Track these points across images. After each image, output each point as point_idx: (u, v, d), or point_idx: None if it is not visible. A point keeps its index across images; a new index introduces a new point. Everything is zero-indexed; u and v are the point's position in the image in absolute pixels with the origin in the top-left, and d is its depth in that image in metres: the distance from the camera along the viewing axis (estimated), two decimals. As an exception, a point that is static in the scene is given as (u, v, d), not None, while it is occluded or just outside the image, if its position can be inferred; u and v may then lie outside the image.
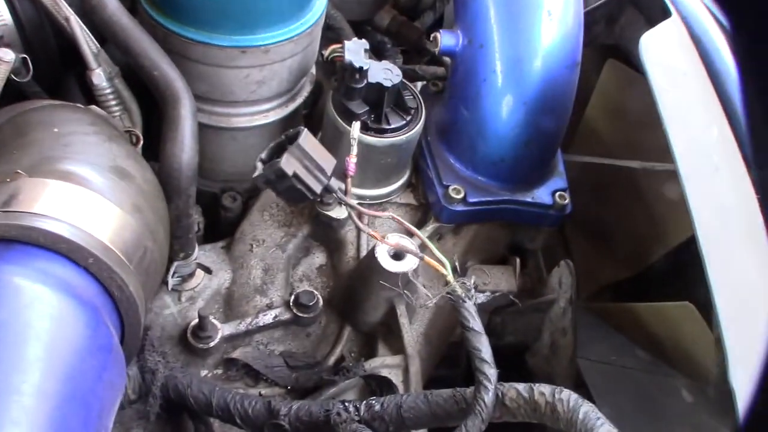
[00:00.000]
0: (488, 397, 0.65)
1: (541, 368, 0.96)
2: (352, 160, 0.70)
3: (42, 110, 0.72)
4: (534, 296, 0.96)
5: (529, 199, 0.90)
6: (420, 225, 0.92)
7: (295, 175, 0.65)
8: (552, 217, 0.92)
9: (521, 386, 0.67)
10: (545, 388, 0.65)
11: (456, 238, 0.93)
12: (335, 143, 0.87)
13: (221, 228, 0.96)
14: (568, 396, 0.64)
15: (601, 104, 1.10)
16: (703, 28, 0.84)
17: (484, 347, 0.67)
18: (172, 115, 0.76)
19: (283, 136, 0.69)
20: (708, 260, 0.68)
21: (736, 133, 0.76)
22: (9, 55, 0.51)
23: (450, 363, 1.00)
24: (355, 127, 0.73)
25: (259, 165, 0.68)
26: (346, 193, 0.70)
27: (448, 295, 0.68)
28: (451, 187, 0.88)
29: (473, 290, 0.68)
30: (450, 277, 0.69)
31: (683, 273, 0.97)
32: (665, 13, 0.88)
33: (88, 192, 0.60)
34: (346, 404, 0.70)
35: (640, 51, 0.75)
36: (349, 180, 0.70)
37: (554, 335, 0.94)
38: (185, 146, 0.75)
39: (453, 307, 0.68)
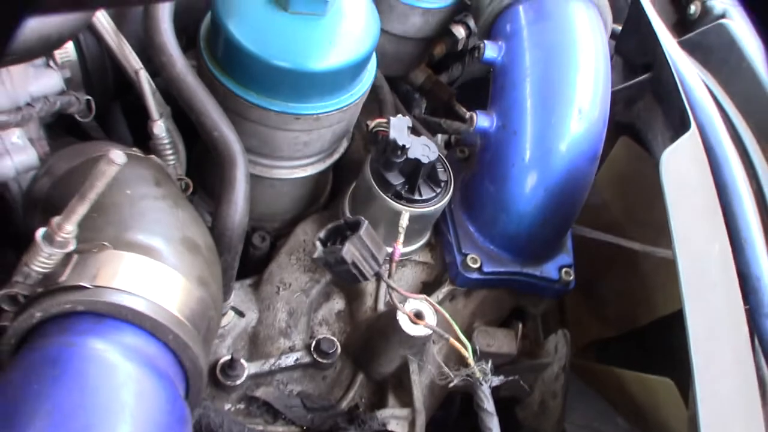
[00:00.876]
0: None
1: (529, 422, 1.05)
2: (399, 248, 0.76)
3: (112, 167, 0.78)
4: (530, 357, 1.05)
5: (537, 273, 0.98)
6: (435, 283, 1.00)
7: (353, 263, 0.72)
8: (556, 291, 1.00)
9: (525, 464, 0.76)
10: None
11: (467, 300, 1.01)
12: (367, 203, 0.94)
13: (248, 264, 1.02)
14: None
15: (608, 176, 1.18)
16: (718, 139, 0.92)
17: (495, 427, 0.76)
18: (229, 177, 0.82)
19: (343, 222, 0.75)
20: (696, 371, 0.77)
21: (733, 248, 0.84)
22: (121, 159, 0.57)
23: (444, 405, 1.08)
24: (404, 217, 0.80)
25: (319, 246, 0.74)
26: (390, 276, 0.77)
27: (468, 378, 0.76)
28: (469, 256, 0.96)
29: (490, 375, 0.77)
30: (471, 361, 0.77)
31: (668, 345, 1.06)
32: (682, 115, 0.96)
33: (166, 267, 0.66)
34: (364, 457, 0.78)
35: (660, 166, 0.83)
36: (393, 265, 0.76)
37: (545, 396, 1.03)
38: (239, 208, 0.82)
39: (470, 388, 0.76)
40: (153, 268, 0.65)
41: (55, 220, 0.61)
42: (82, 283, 0.61)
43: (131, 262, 0.64)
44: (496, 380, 0.76)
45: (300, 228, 1.02)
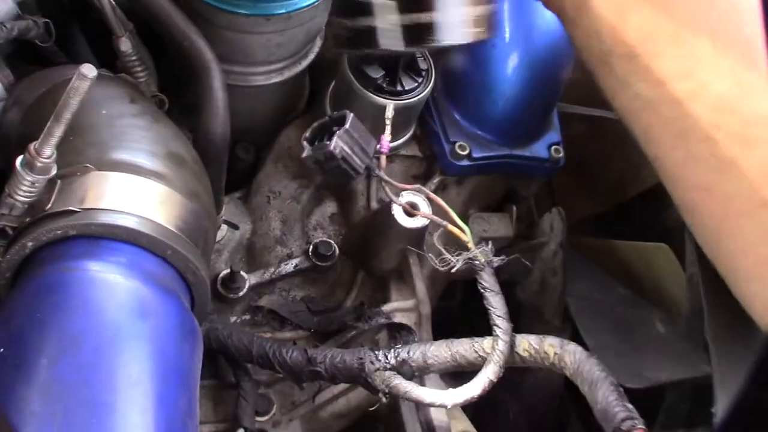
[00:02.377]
0: (504, 348, 0.75)
1: (531, 302, 1.07)
2: (386, 140, 0.75)
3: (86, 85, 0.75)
4: (526, 238, 1.05)
5: (527, 154, 0.98)
6: (426, 175, 1.00)
7: (343, 158, 0.71)
8: (547, 169, 1.00)
9: (532, 338, 0.77)
10: (554, 341, 0.76)
11: (459, 188, 1.00)
12: (349, 101, 0.92)
13: (235, 178, 1.00)
14: (574, 349, 0.74)
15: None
16: None
17: (500, 305, 0.77)
18: (204, 87, 0.79)
19: (328, 118, 0.74)
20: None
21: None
22: (92, 72, 0.54)
23: (447, 295, 1.10)
24: (389, 109, 0.78)
25: (306, 145, 0.73)
26: (380, 169, 0.76)
27: (470, 261, 0.76)
28: (457, 144, 0.95)
29: (492, 257, 0.77)
30: (471, 245, 0.77)
31: (659, 214, 1.07)
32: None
33: (154, 183, 0.64)
34: (377, 353, 0.79)
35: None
36: (383, 158, 0.75)
37: (545, 274, 1.04)
38: (219, 118, 0.79)
39: (473, 272, 0.77)
40: (141, 184, 0.63)
41: (33, 145, 0.59)
42: (70, 207, 0.59)
43: (118, 181, 0.63)
44: (497, 260, 0.77)
45: (283, 135, 1.00)
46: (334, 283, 0.96)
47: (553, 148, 0.99)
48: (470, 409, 0.88)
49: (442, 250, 0.77)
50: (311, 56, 0.96)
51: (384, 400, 0.77)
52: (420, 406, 0.89)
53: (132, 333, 0.55)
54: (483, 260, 0.76)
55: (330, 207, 0.99)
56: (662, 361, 0.95)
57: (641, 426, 0.63)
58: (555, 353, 0.74)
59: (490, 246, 0.77)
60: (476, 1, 0.62)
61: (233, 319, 0.90)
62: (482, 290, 0.77)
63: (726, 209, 0.55)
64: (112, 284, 0.57)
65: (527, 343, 0.76)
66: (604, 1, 0.56)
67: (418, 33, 0.76)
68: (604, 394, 0.66)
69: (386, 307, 0.91)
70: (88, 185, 0.62)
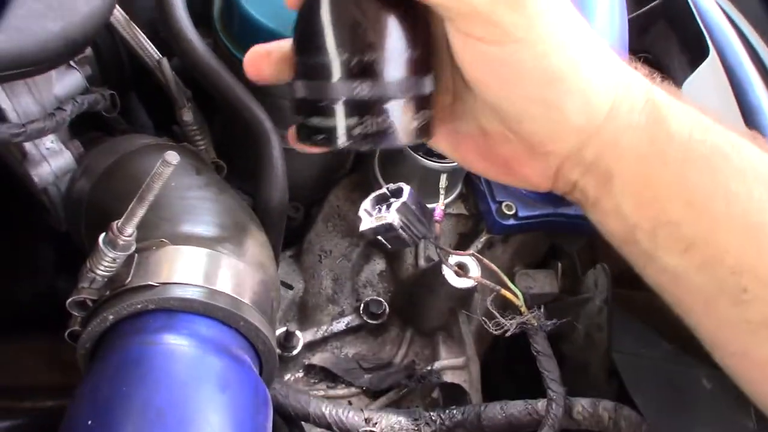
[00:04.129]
0: (558, 413, 0.76)
1: (575, 357, 1.08)
2: (440, 209, 0.77)
3: (147, 156, 0.79)
4: (571, 293, 1.07)
5: (571, 212, 1.00)
6: (472, 233, 1.02)
7: (402, 228, 0.73)
8: (590, 227, 1.01)
9: (586, 401, 0.78)
10: (608, 404, 0.77)
11: (504, 246, 1.03)
12: (398, 162, 0.95)
13: (286, 236, 1.03)
14: (629, 413, 0.75)
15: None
16: (739, 62, 0.92)
17: (553, 369, 0.78)
18: (265, 156, 0.83)
19: (386, 190, 0.76)
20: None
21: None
22: (176, 159, 0.58)
23: (490, 350, 1.11)
24: (443, 179, 0.81)
25: (365, 216, 0.75)
26: (436, 237, 0.78)
27: (524, 326, 0.78)
28: (504, 203, 0.97)
29: (545, 320, 0.79)
30: (524, 309, 0.79)
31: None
32: (699, 39, 0.96)
33: (225, 256, 0.67)
34: (432, 415, 0.81)
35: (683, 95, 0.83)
36: (438, 226, 0.78)
37: (589, 329, 1.05)
38: (279, 185, 0.82)
39: (527, 335, 0.78)
40: (213, 258, 0.66)
41: (116, 224, 0.62)
42: (149, 282, 0.62)
43: (191, 254, 0.66)
44: (550, 324, 0.78)
45: (332, 194, 1.03)
46: (384, 341, 0.98)
47: (596, 206, 1.00)
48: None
49: (497, 315, 0.79)
50: (360, 119, 0.99)
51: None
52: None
53: (213, 405, 0.57)
54: (536, 324, 0.78)
55: (379, 265, 1.02)
56: (710, 420, 0.95)
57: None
58: (609, 417, 0.75)
59: (542, 310, 0.79)
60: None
61: (287, 376, 0.93)
62: (535, 353, 0.79)
63: (764, 374, 0.56)
64: (191, 357, 0.59)
65: (581, 407, 0.78)
66: (627, 179, 0.54)
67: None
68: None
69: (437, 365, 0.93)
70: (164, 259, 0.65)
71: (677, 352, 1.04)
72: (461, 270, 0.91)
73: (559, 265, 1.04)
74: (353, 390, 0.93)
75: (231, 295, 0.64)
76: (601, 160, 0.55)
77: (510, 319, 0.79)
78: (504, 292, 0.80)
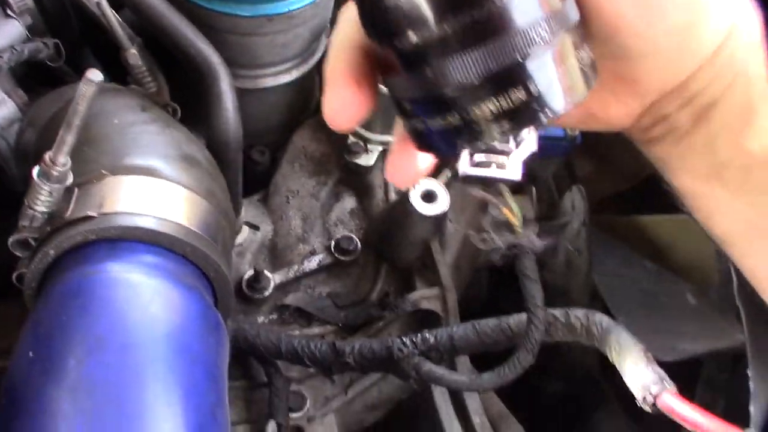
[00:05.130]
0: (538, 336, 0.73)
1: (557, 283, 1.06)
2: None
3: (95, 99, 0.76)
4: (549, 220, 1.05)
5: (542, 132, 0.97)
6: (445, 166, 0.99)
7: None
8: (564, 148, 0.99)
9: (558, 312, 0.76)
10: (579, 312, 0.75)
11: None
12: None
13: (253, 181, 1.01)
14: (600, 318, 0.73)
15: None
16: None
17: (537, 294, 0.74)
18: (214, 92, 0.80)
19: None
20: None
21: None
22: (98, 76, 0.55)
23: (472, 284, 1.10)
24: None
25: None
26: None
27: (514, 248, 0.74)
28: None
29: (537, 242, 0.75)
30: (519, 230, 0.75)
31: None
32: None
33: (169, 184, 0.65)
34: (404, 340, 0.79)
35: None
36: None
37: (569, 254, 1.03)
38: (230, 120, 0.80)
39: (515, 256, 0.75)
40: (156, 186, 0.64)
41: (48, 154, 0.60)
42: (89, 213, 0.61)
43: (133, 184, 0.64)
44: (541, 245, 0.75)
45: (297, 135, 1.01)
46: (359, 277, 0.96)
47: (567, 125, 0.98)
48: (504, 391, 0.88)
49: (491, 231, 0.75)
50: (318, 54, 0.97)
51: (414, 386, 0.77)
52: (453, 392, 0.89)
53: (156, 330, 0.56)
54: (528, 246, 0.74)
55: (349, 202, 1.00)
56: (696, 333, 0.94)
57: (671, 389, 0.62)
58: (582, 325, 0.73)
59: (537, 230, 0.75)
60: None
61: (261, 319, 0.91)
62: (522, 276, 0.75)
63: None
64: (134, 284, 0.58)
65: (553, 318, 0.76)
66: (731, 109, 0.48)
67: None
68: (633, 361, 0.66)
69: (412, 296, 0.91)
70: (105, 191, 0.63)
71: (660, 270, 1.02)
72: (430, 198, 0.89)
73: (534, 189, 1.01)
74: (328, 328, 0.91)
75: (176, 222, 0.62)
76: (708, 89, 0.48)
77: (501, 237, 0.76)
78: (505, 211, 0.76)
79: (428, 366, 0.76)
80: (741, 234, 0.54)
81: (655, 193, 1.18)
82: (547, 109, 0.39)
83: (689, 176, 0.53)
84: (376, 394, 0.91)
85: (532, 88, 0.38)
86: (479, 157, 0.55)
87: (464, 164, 0.56)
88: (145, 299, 0.57)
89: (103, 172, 0.64)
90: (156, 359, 0.54)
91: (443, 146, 0.41)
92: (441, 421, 0.87)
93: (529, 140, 0.51)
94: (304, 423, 0.87)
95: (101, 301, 0.56)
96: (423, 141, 0.43)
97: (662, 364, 0.68)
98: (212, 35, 0.84)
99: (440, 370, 0.76)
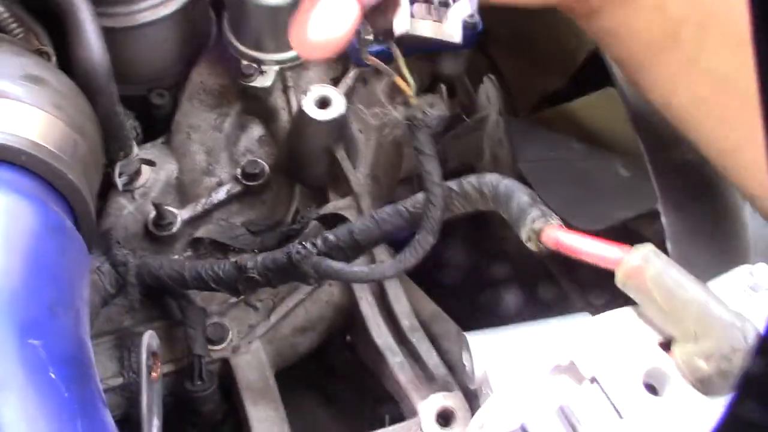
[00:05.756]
0: (437, 214, 0.68)
1: (488, 182, 1.01)
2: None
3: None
4: (468, 115, 1.00)
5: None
6: (342, 74, 0.96)
7: None
8: (467, 38, 0.94)
9: (453, 183, 0.71)
10: (472, 178, 0.70)
11: (379, 80, 0.96)
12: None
13: (157, 127, 0.98)
14: (490, 177, 0.68)
15: None
16: None
17: (435, 170, 0.69)
18: (72, 22, 0.77)
19: None
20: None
21: None
22: None
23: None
24: None
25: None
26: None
27: (407, 120, 0.70)
28: (362, 31, 0.91)
29: (431, 114, 0.71)
30: (414, 100, 0.70)
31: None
32: None
33: (6, 101, 0.62)
34: (303, 243, 0.75)
35: None
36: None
37: (493, 149, 0.99)
38: (93, 45, 0.77)
39: (410, 131, 0.70)
40: (-10, 103, 0.62)
41: None
42: None
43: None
44: (435, 119, 0.70)
45: (194, 72, 0.98)
46: (273, 203, 0.92)
47: (466, 13, 0.93)
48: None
49: (383, 100, 0.71)
50: (198, -19, 0.94)
51: (314, 285, 0.73)
52: (380, 299, 0.85)
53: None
54: (421, 117, 0.69)
55: (256, 131, 0.96)
56: (627, 202, 0.89)
57: (554, 221, 0.58)
58: (474, 189, 0.69)
59: (434, 107, 0.71)
60: None
61: (174, 257, 0.88)
62: (416, 152, 0.71)
63: None
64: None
65: (449, 191, 0.71)
66: None
67: None
68: (517, 203, 0.61)
69: (323, 210, 0.88)
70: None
71: (589, 149, 0.98)
72: (324, 104, 0.85)
73: (443, 87, 0.97)
74: (245, 256, 0.87)
75: (9, 133, 0.59)
76: None
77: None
78: (397, 79, 0.71)
79: (326, 263, 0.72)
80: (692, 109, 0.49)
81: (588, 84, 1.13)
82: None
83: (638, 43, 0.48)
84: (303, 314, 0.87)
85: None
86: (418, 10, 0.52)
87: (403, 20, 0.54)
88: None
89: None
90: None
91: None
92: (369, 330, 0.83)
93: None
94: (228, 354, 0.84)
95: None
96: None
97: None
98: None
99: (338, 265, 0.72)
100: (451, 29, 0.56)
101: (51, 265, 0.55)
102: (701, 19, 0.46)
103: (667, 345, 0.51)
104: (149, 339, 0.72)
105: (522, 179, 0.94)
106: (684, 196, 0.75)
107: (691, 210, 0.74)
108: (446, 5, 0.60)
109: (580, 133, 0.99)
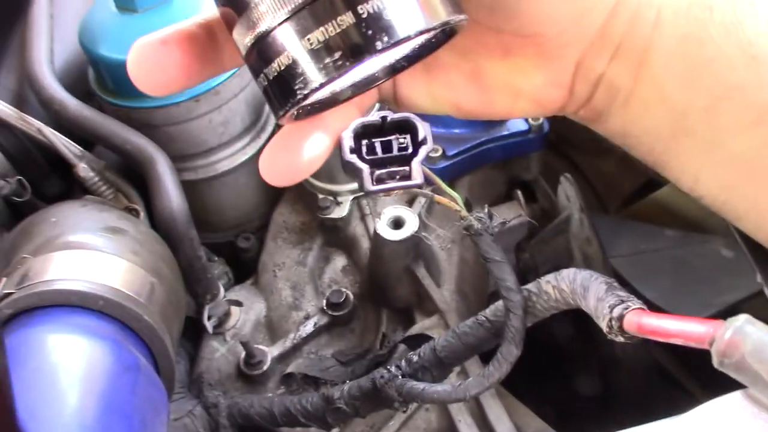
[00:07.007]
0: (518, 323, 0.65)
1: (583, 284, 0.96)
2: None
3: (42, 212, 0.80)
4: (550, 219, 0.97)
5: (505, 132, 0.93)
6: (413, 197, 0.96)
7: None
8: (533, 141, 0.94)
9: (531, 285, 0.68)
10: (550, 276, 0.66)
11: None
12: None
13: (247, 270, 1.01)
14: (567, 272, 0.64)
15: None
16: None
17: (507, 275, 0.66)
18: (152, 176, 0.83)
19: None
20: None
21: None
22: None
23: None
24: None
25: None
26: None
27: (465, 232, 0.68)
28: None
29: (489, 220, 0.69)
30: (464, 212, 0.69)
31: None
32: None
33: (87, 251, 0.66)
34: (388, 367, 0.73)
35: None
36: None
37: (582, 248, 0.95)
38: (171, 196, 0.82)
39: (472, 242, 0.68)
40: (74, 255, 0.66)
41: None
42: (5, 291, 0.62)
43: (54, 258, 0.66)
44: (497, 222, 0.69)
45: (276, 213, 1.01)
46: (362, 331, 0.91)
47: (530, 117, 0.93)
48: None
49: (435, 227, 0.70)
50: (269, 128, 0.99)
51: (401, 410, 0.70)
52: (480, 420, 0.80)
53: (63, 377, 0.54)
54: (479, 226, 0.67)
55: (339, 261, 0.97)
56: (735, 284, 0.82)
57: (637, 306, 0.53)
58: (553, 287, 0.65)
59: (486, 210, 0.69)
60: None
61: (268, 395, 0.87)
62: (485, 261, 0.69)
63: None
64: (43, 342, 0.57)
65: (527, 292, 0.68)
66: (670, 48, 0.43)
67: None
68: (595, 293, 0.57)
69: (411, 331, 0.85)
70: (24, 271, 0.64)
71: (682, 234, 0.92)
72: (398, 224, 0.85)
73: (519, 192, 0.95)
74: (333, 388, 0.85)
75: (88, 281, 0.62)
76: (633, 32, 0.43)
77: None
78: (438, 198, 0.70)
79: (410, 384, 0.69)
80: (723, 196, 0.47)
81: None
82: (383, 33, 0.34)
83: (653, 139, 0.46)
84: (404, 438, 0.83)
85: (360, 10, 0.34)
86: (381, 173, 0.52)
87: (367, 182, 0.53)
88: (53, 354, 0.56)
89: (25, 256, 0.66)
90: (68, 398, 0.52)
91: (280, 96, 0.36)
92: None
93: (424, 142, 0.48)
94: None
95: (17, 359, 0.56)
96: (267, 96, 0.38)
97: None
98: (152, 133, 0.87)
99: (421, 385, 0.68)
100: (415, 176, 0.53)
101: (124, 403, 0.55)
102: (708, 103, 0.42)
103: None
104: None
105: (617, 277, 0.89)
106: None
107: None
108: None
109: (674, 221, 0.94)
